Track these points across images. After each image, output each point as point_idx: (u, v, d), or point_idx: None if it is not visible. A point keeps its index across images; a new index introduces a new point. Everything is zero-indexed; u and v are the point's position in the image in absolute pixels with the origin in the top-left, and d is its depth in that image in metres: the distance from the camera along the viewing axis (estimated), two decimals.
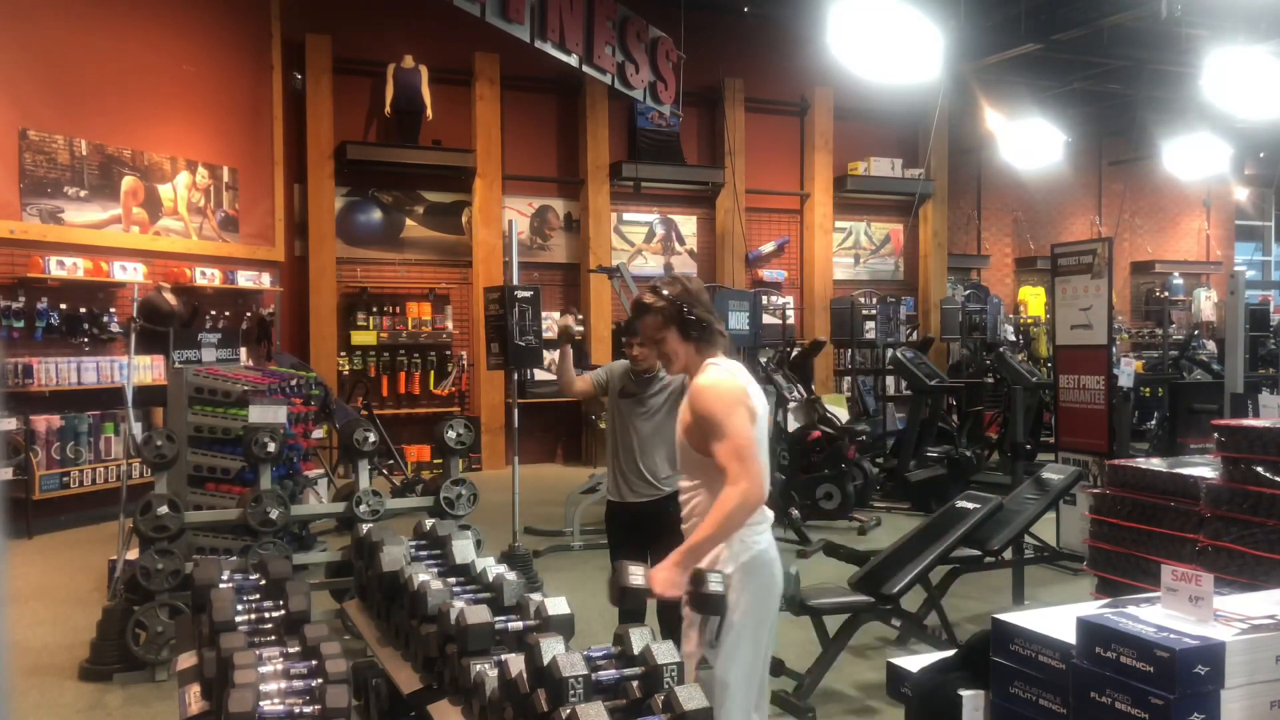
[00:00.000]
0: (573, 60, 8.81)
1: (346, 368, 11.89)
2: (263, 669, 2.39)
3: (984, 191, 16.71)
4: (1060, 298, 7.61)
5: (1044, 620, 1.98)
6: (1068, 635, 1.88)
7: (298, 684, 2.37)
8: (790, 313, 13.40)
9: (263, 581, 3.09)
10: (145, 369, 9.03)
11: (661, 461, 4.43)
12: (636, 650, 2.22)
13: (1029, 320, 15.72)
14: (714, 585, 2.69)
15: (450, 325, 12.41)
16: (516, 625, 2.55)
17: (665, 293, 3.00)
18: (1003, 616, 2.03)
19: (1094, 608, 1.99)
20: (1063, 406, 7.62)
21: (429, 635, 2.68)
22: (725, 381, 2.92)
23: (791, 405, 9.67)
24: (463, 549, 3.17)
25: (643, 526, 4.40)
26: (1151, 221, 18.61)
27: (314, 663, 2.45)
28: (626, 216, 13.54)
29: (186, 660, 2.90)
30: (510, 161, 12.64)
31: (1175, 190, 18.10)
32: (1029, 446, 9.85)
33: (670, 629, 3.26)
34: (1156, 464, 4.21)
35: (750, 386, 3.00)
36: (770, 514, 3.05)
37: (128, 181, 9.52)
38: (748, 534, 2.93)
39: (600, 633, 5.03)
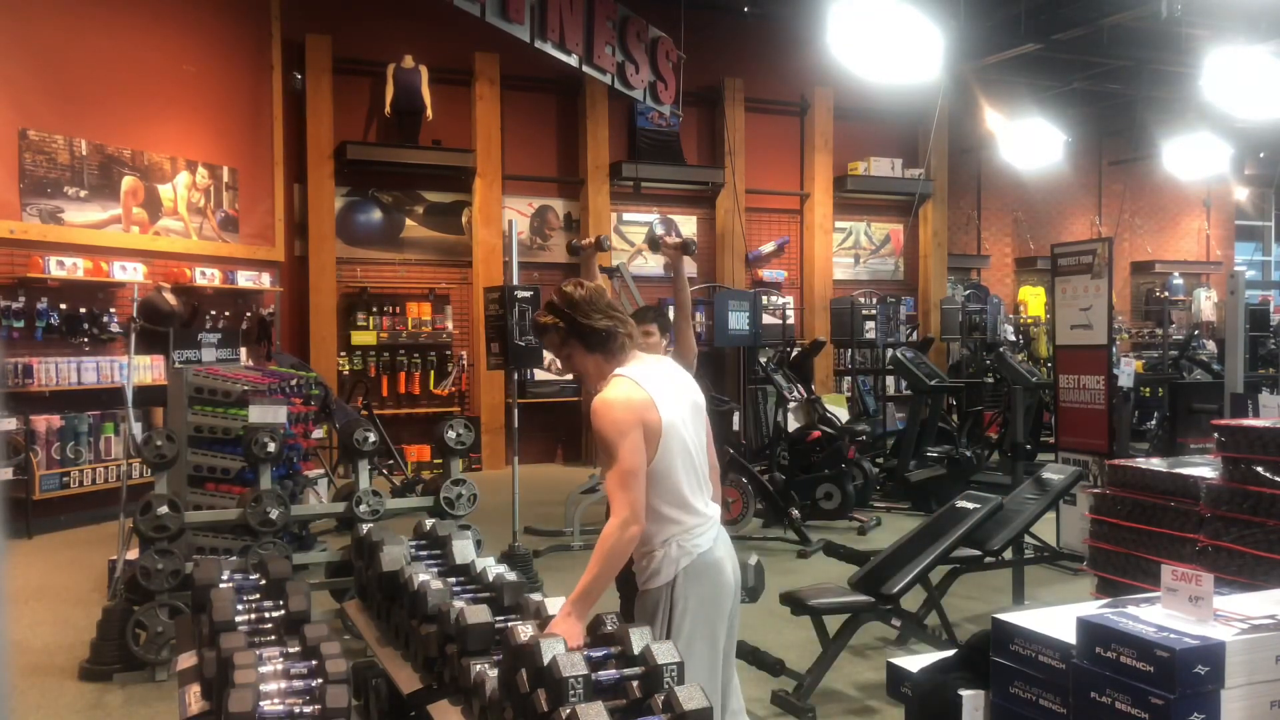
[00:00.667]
0: (573, 60, 8.80)
1: (346, 368, 11.89)
2: (263, 669, 2.39)
3: (984, 191, 16.71)
4: (1060, 298, 7.61)
5: (1044, 620, 1.98)
6: (1068, 635, 1.88)
7: (298, 684, 2.37)
8: (790, 313, 13.40)
9: (263, 581, 3.10)
10: (145, 369, 9.03)
11: None
12: (636, 650, 2.22)
13: (1029, 320, 15.71)
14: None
15: (450, 325, 12.41)
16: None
17: (555, 302, 2.82)
18: (1003, 616, 2.03)
19: (1094, 608, 1.99)
20: (1063, 406, 7.62)
21: (429, 635, 2.68)
22: (620, 400, 2.73)
23: (791, 405, 9.68)
24: (463, 549, 3.17)
25: None
26: (1151, 221, 18.60)
27: (314, 663, 2.45)
28: (626, 216, 13.54)
29: (186, 660, 2.90)
30: (510, 161, 12.64)
31: (1175, 190, 18.10)
32: (1029, 446, 9.85)
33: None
34: (1156, 464, 4.21)
35: (659, 394, 2.80)
36: (712, 511, 2.95)
37: (128, 181, 9.52)
38: (685, 539, 2.85)
39: None
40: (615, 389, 2.77)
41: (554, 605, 2.60)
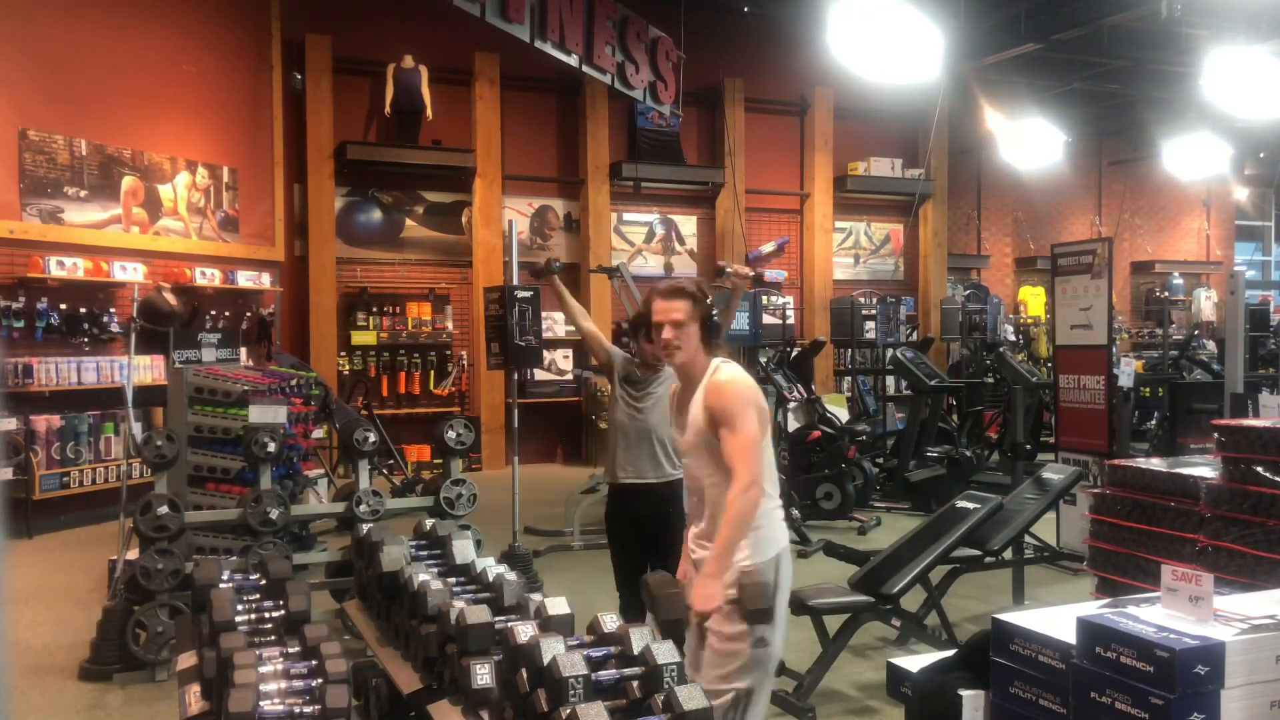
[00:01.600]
0: (573, 60, 8.81)
1: (346, 368, 11.89)
2: (263, 669, 2.39)
3: (984, 191, 16.71)
4: (1060, 298, 7.61)
5: (1044, 620, 1.98)
6: (1068, 635, 1.88)
7: (298, 684, 2.37)
8: (790, 313, 13.38)
9: (263, 581, 3.09)
10: (145, 369, 9.03)
11: (658, 447, 4.51)
12: (636, 650, 2.22)
13: (1029, 320, 15.72)
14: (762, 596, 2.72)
15: (450, 325, 12.41)
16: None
17: (697, 285, 3.12)
18: (1003, 616, 2.03)
19: (1094, 608, 1.99)
20: (1063, 406, 7.62)
21: (429, 635, 2.68)
22: (742, 379, 3.01)
23: (791, 405, 9.67)
24: (463, 549, 3.17)
25: (640, 511, 4.51)
26: (1151, 221, 18.60)
27: (314, 663, 2.45)
28: (626, 216, 13.54)
29: (186, 660, 2.90)
30: (510, 161, 12.64)
31: (1175, 190, 18.10)
32: (1029, 446, 9.85)
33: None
34: (1156, 464, 4.21)
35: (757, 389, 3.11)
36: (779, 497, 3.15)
37: (128, 181, 9.52)
38: (777, 515, 3.05)
39: None
40: (735, 370, 3.05)
41: (554, 605, 2.59)
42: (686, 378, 3.12)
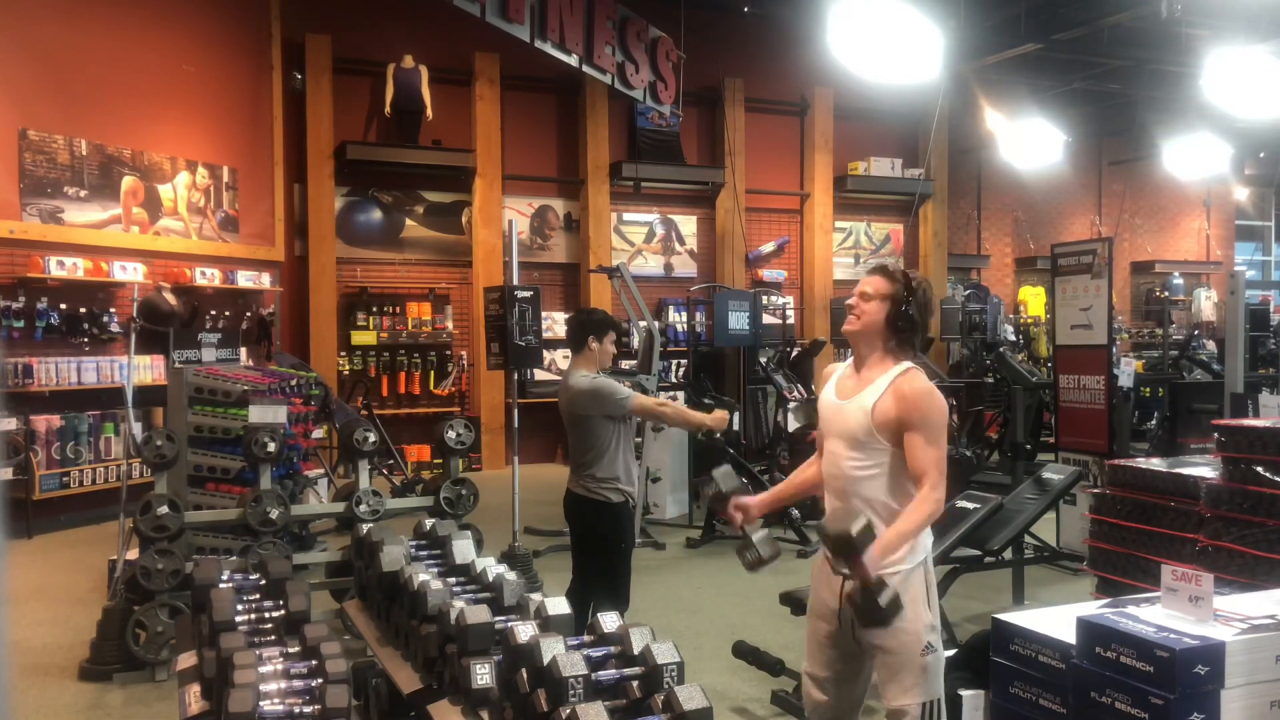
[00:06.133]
0: (573, 60, 8.81)
1: (346, 368, 11.90)
2: (263, 669, 2.39)
3: (984, 191, 16.71)
4: (1060, 298, 7.61)
5: (1044, 620, 1.98)
6: (1068, 635, 1.88)
7: (298, 684, 2.37)
8: (790, 313, 13.40)
9: (263, 581, 3.10)
10: (145, 369, 9.03)
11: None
12: (636, 650, 2.22)
13: (1029, 320, 15.71)
14: (888, 597, 2.63)
15: (450, 325, 12.41)
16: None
17: (910, 282, 2.99)
18: (1003, 616, 2.03)
19: (1094, 608, 1.99)
20: (1063, 406, 7.62)
21: (429, 635, 2.68)
22: (940, 395, 2.96)
23: (791, 405, 9.67)
24: (463, 549, 3.17)
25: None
26: (1151, 221, 18.61)
27: (314, 663, 2.45)
28: (626, 216, 13.54)
29: (186, 660, 2.90)
30: (510, 161, 12.64)
31: (1175, 190, 18.10)
32: (1029, 446, 9.84)
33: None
34: (1156, 464, 4.21)
35: None
36: None
37: (128, 181, 9.52)
38: (925, 536, 2.96)
39: None
40: (924, 378, 2.98)
41: (554, 605, 2.59)
42: (860, 358, 3.03)
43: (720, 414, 4.68)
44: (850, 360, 3.11)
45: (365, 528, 3.53)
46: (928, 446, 2.85)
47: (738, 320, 9.79)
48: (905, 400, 2.88)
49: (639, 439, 7.83)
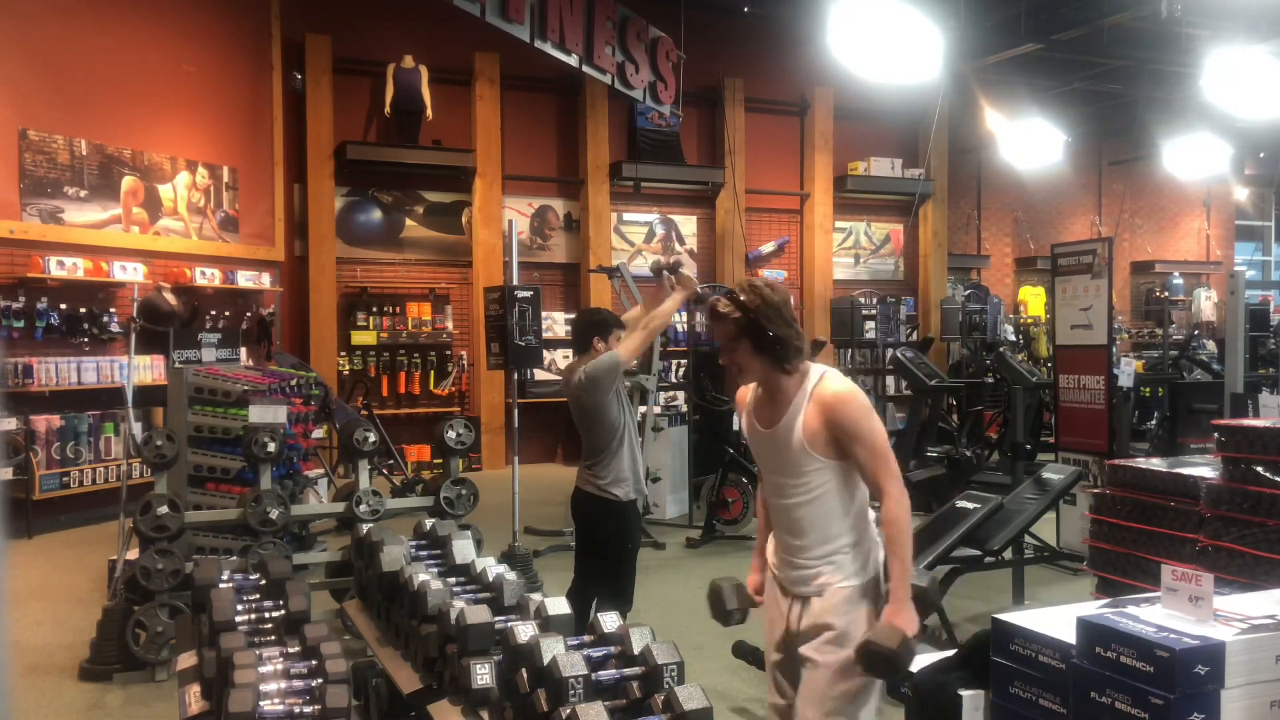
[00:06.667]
0: (573, 60, 8.81)
1: (346, 368, 11.89)
2: (263, 669, 2.39)
3: (984, 191, 16.71)
4: (1060, 298, 7.61)
5: (1044, 620, 1.98)
6: (1068, 635, 1.88)
7: (298, 684, 2.37)
8: None
9: (263, 581, 3.10)
10: (145, 369, 9.03)
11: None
12: (636, 650, 2.22)
13: (1029, 320, 15.71)
14: (897, 644, 2.54)
15: (450, 325, 12.41)
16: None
17: (743, 300, 2.77)
18: (1003, 616, 2.03)
19: (1094, 608, 1.99)
20: (1063, 406, 7.62)
21: (429, 635, 2.68)
22: (855, 388, 2.81)
23: None
24: (463, 549, 3.17)
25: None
26: (1151, 221, 18.61)
27: (314, 663, 2.45)
28: (626, 216, 13.54)
29: (186, 660, 2.90)
30: (510, 161, 12.64)
31: (1175, 190, 18.10)
32: (1029, 446, 9.84)
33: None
34: (1156, 464, 4.21)
35: None
36: None
37: (128, 181, 9.52)
38: (875, 548, 2.83)
39: None
40: (843, 379, 2.82)
41: (554, 605, 2.59)
42: (769, 389, 2.84)
43: (686, 276, 4.55)
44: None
45: (365, 528, 3.53)
46: (873, 454, 2.71)
47: None
48: (829, 409, 2.72)
49: (639, 439, 7.82)
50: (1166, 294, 17.57)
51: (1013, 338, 14.67)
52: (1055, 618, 1.98)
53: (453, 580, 3.01)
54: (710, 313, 2.82)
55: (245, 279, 10.56)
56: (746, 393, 2.99)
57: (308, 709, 2.26)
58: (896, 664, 2.52)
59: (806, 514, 2.78)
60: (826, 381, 2.77)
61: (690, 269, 4.01)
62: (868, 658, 2.58)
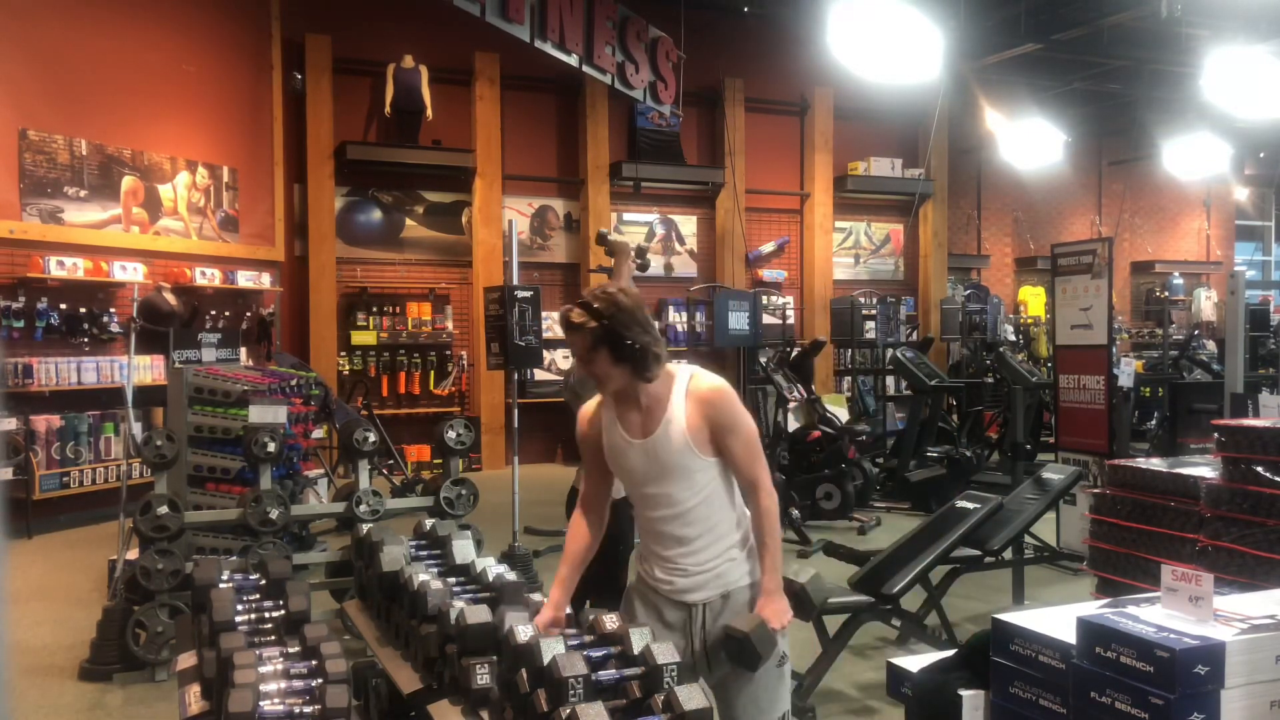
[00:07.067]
0: (573, 60, 8.81)
1: (346, 368, 11.89)
2: (263, 669, 2.39)
3: (984, 191, 16.71)
4: (1060, 298, 7.61)
5: (1044, 620, 1.98)
6: (1068, 635, 1.88)
7: (298, 684, 2.37)
8: (790, 313, 13.39)
9: (263, 581, 3.10)
10: (145, 369, 9.03)
11: None
12: (636, 650, 2.22)
13: (1029, 320, 15.71)
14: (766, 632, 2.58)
15: (450, 325, 12.41)
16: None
17: (596, 307, 2.66)
18: (1003, 616, 2.03)
19: (1094, 608, 1.99)
20: (1063, 406, 7.62)
21: (429, 635, 2.68)
22: (724, 382, 2.79)
23: (791, 405, 9.66)
24: (463, 549, 3.18)
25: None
26: (1151, 221, 18.61)
27: (314, 663, 2.45)
28: (626, 216, 13.53)
29: (186, 660, 2.90)
30: (510, 161, 12.64)
31: (1175, 190, 18.10)
32: (1029, 446, 9.84)
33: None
34: (1156, 464, 4.21)
35: None
36: None
37: (128, 181, 9.52)
38: (754, 547, 2.83)
39: None
40: (713, 375, 2.81)
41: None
42: (632, 399, 2.75)
43: (612, 241, 4.50)
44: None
45: (365, 528, 3.54)
46: (748, 446, 2.73)
47: (738, 320, 9.79)
48: (708, 404, 2.69)
49: None
50: (1166, 294, 17.57)
51: (1013, 338, 14.67)
52: (1055, 618, 1.98)
53: (453, 580, 3.01)
54: (564, 323, 2.71)
55: (245, 279, 10.56)
56: (590, 409, 2.90)
57: (308, 709, 2.26)
58: (750, 650, 2.55)
59: (696, 516, 2.73)
60: (699, 379, 2.75)
61: (653, 255, 4.03)
62: (725, 643, 2.61)
